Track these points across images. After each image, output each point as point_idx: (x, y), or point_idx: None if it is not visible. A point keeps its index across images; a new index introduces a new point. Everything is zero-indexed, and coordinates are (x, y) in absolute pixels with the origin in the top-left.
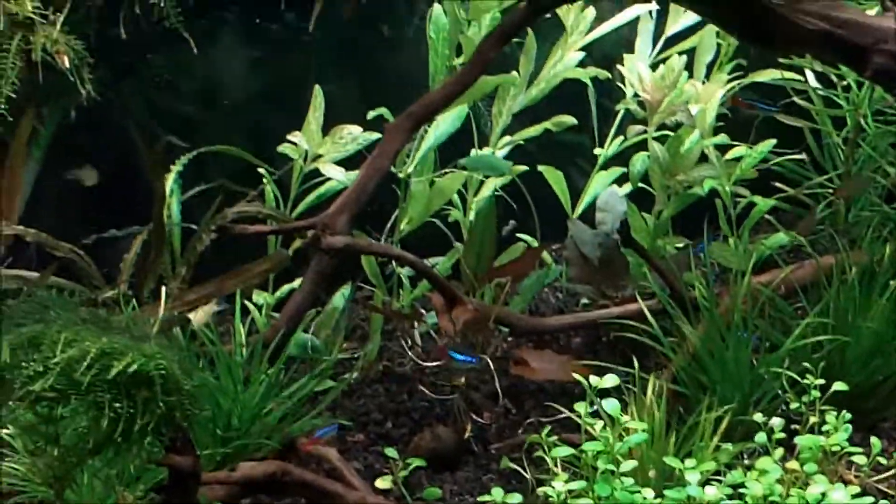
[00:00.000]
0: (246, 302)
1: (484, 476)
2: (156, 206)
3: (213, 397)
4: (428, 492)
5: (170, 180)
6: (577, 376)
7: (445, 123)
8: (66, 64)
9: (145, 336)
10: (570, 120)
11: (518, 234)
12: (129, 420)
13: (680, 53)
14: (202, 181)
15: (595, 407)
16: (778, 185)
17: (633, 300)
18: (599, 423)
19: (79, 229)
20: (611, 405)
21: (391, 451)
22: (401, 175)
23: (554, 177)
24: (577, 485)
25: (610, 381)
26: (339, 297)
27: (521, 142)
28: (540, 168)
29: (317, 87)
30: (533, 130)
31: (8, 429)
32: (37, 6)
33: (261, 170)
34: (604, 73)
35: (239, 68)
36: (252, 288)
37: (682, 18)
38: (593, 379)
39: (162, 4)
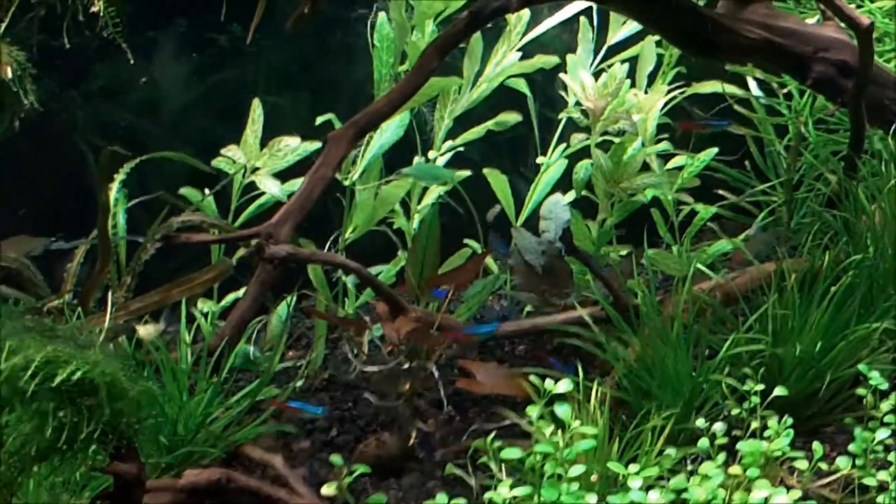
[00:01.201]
0: (192, 310)
1: (429, 482)
2: (101, 217)
3: (159, 405)
4: (373, 498)
5: (113, 190)
6: (525, 386)
7: (390, 131)
8: (9, 74)
9: (90, 344)
10: (513, 117)
11: (465, 241)
12: (73, 428)
13: (622, 62)
14: (148, 193)
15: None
16: (721, 192)
17: (576, 307)
18: (548, 428)
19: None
20: (562, 410)
21: (336, 458)
22: (346, 183)
23: (498, 181)
24: (522, 490)
25: (564, 386)
26: (284, 306)
27: (461, 148)
28: (485, 171)
29: (255, 100)
30: (476, 131)
31: None
32: None
33: (191, 192)
34: (551, 60)
35: (185, 79)
36: (197, 297)
37: (622, 28)
38: (548, 382)
39: (101, 14)
